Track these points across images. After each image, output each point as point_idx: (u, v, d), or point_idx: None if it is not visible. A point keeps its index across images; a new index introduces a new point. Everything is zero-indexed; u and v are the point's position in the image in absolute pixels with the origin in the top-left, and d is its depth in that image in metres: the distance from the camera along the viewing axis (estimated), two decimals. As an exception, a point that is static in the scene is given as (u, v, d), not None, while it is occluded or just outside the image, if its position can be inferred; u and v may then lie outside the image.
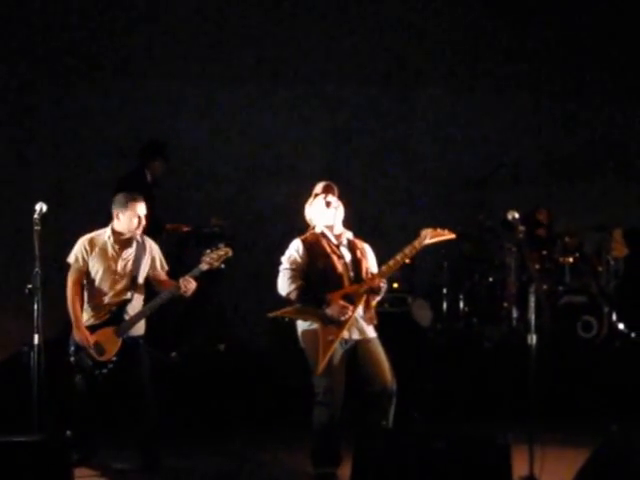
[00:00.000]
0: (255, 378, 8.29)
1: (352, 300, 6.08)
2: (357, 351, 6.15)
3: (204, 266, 6.20)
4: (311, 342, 6.09)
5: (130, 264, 6.27)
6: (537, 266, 9.30)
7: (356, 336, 6.15)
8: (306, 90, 10.62)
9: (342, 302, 6.03)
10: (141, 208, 6.30)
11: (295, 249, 6.21)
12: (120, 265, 6.27)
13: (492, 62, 10.86)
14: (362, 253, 6.29)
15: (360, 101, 10.80)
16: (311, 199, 6.35)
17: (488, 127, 10.87)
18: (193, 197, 10.11)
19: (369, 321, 6.20)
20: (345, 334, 6.07)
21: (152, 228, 8.51)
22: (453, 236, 6.38)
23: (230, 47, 10.32)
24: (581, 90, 10.99)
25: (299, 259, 6.17)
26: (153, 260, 6.38)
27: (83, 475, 6.15)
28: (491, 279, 9.72)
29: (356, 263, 6.23)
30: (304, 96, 10.67)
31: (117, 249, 6.29)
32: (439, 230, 6.26)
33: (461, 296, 9.75)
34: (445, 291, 9.85)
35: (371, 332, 6.22)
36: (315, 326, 6.07)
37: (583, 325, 9.13)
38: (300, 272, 6.15)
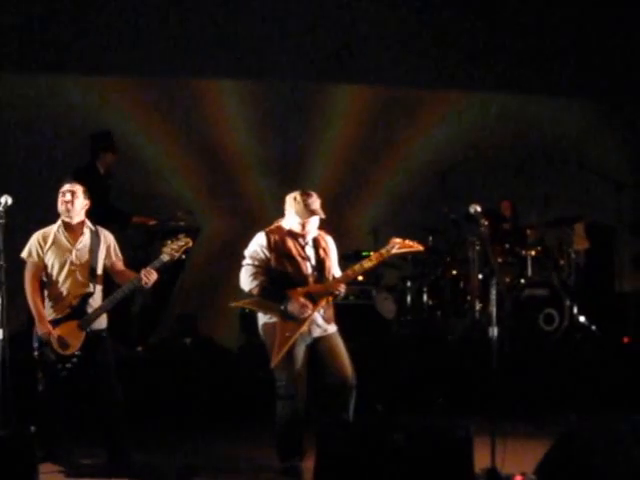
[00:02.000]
0: (221, 371, 8.31)
1: (314, 299, 6.12)
2: (318, 345, 6.19)
3: (165, 257, 6.21)
4: (270, 335, 6.12)
5: (86, 254, 6.26)
6: (500, 259, 9.39)
7: (317, 334, 6.19)
8: (274, 84, 10.65)
9: (303, 300, 6.06)
10: (66, 186, 6.28)
11: (259, 244, 6.20)
12: (75, 255, 6.25)
13: (457, 59, 10.93)
14: (325, 252, 6.30)
15: (326, 95, 10.85)
16: (301, 202, 6.16)
17: (454, 123, 10.96)
18: (159, 191, 10.09)
19: (329, 320, 6.24)
20: (305, 330, 6.11)
21: (118, 220, 8.59)
22: (421, 248, 6.44)
23: (197, 40, 10.32)
24: (542, 86, 11.09)
25: (262, 255, 6.17)
26: (108, 249, 6.35)
27: (48, 471, 6.10)
28: (455, 272, 9.76)
29: (320, 263, 6.25)
30: (269, 89, 10.69)
31: (70, 239, 6.27)
32: (408, 242, 6.29)
33: (425, 289, 9.79)
34: (409, 284, 9.92)
35: (331, 327, 6.26)
36: (274, 319, 6.11)
37: (545, 318, 9.22)
38: (263, 268, 6.16)
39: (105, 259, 6.34)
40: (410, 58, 10.86)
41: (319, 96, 10.84)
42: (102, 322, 6.33)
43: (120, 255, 6.44)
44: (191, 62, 10.30)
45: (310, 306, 6.07)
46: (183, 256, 6.39)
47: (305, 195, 6.21)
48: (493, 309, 5.88)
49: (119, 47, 10.06)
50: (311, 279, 6.19)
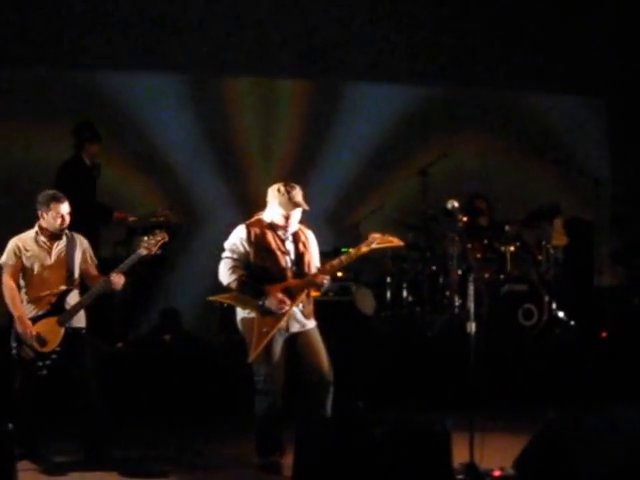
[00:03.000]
0: (201, 368, 8.30)
1: (292, 294, 6.12)
2: (296, 341, 6.20)
3: (143, 251, 6.25)
4: (249, 330, 6.13)
5: (63, 258, 6.30)
6: (478, 255, 9.42)
7: (295, 329, 6.19)
8: (247, 81, 10.64)
9: (281, 295, 6.06)
10: (64, 207, 6.30)
11: (239, 237, 6.19)
12: (54, 258, 6.30)
13: (434, 54, 10.96)
14: (305, 246, 6.30)
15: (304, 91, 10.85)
16: (285, 194, 6.15)
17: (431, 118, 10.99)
18: (139, 187, 10.07)
19: (308, 315, 6.24)
20: (282, 325, 6.11)
21: (101, 215, 8.59)
22: (401, 243, 6.46)
23: (175, 34, 10.29)
24: (519, 82, 11.13)
25: (242, 249, 6.17)
26: (84, 253, 6.42)
27: (27, 468, 6.10)
28: (434, 268, 9.78)
29: (299, 257, 6.25)
30: (246, 86, 10.68)
31: (48, 243, 6.31)
32: (387, 237, 6.29)
33: (404, 285, 9.81)
34: (389, 280, 9.93)
35: (310, 323, 6.27)
36: (253, 315, 6.11)
37: (524, 313, 9.24)
38: (242, 262, 6.15)
39: (81, 263, 6.38)
40: (391, 53, 10.87)
41: (308, 92, 10.83)
42: (81, 320, 6.36)
43: (95, 260, 6.50)
44: (180, 56, 10.28)
45: (288, 302, 6.07)
46: (160, 251, 6.39)
47: (289, 187, 6.18)
48: (471, 305, 5.91)
49: (102, 38, 10.03)
50: (290, 274, 6.18)
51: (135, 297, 9.06)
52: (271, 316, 6.07)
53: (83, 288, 6.42)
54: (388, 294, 9.86)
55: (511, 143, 11.14)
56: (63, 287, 6.27)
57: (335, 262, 6.23)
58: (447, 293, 9.51)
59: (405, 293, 9.80)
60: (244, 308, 6.18)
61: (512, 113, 11.25)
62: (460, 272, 9.17)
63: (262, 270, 6.14)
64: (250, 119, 10.66)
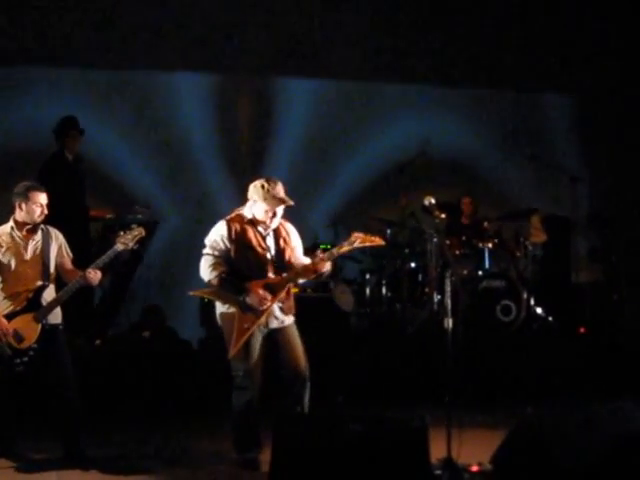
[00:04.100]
0: (180, 364, 8.28)
1: (273, 290, 6.12)
2: (273, 337, 6.19)
3: (119, 247, 6.23)
4: (228, 325, 6.12)
5: (39, 252, 6.26)
6: (457, 251, 9.46)
7: (274, 325, 6.19)
8: (229, 79, 10.64)
9: (262, 292, 6.05)
10: (42, 197, 6.26)
11: (219, 234, 6.17)
12: (29, 253, 6.25)
13: (412, 54, 10.99)
14: (285, 241, 6.29)
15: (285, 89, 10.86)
16: (269, 190, 6.12)
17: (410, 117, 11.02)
18: (116, 185, 10.04)
19: (288, 311, 6.23)
20: (262, 321, 6.11)
21: (77, 213, 8.56)
22: (382, 243, 6.47)
23: (158, 33, 10.28)
24: (496, 80, 11.18)
25: (222, 245, 6.15)
26: (60, 248, 6.38)
27: (4, 467, 6.11)
28: (413, 265, 9.81)
29: (279, 254, 6.24)
30: (229, 85, 10.68)
31: (23, 238, 6.27)
32: (369, 236, 6.29)
33: (384, 282, 9.83)
34: (368, 277, 9.95)
35: (288, 319, 6.26)
36: (233, 310, 6.10)
37: (502, 309, 9.29)
38: (223, 258, 6.13)
39: (57, 257, 6.35)
40: (366, 52, 10.89)
41: (278, 88, 10.83)
42: (57, 316, 6.32)
43: (70, 254, 6.46)
44: (146, 54, 10.25)
45: (269, 298, 6.08)
46: (136, 246, 6.38)
47: (272, 183, 6.16)
48: (448, 301, 5.92)
49: (71, 38, 10.00)
50: (270, 270, 6.18)
51: (112, 293, 9.05)
52: (251, 312, 6.06)
53: (59, 284, 6.38)
54: (367, 291, 9.89)
55: (488, 140, 11.17)
56: (40, 283, 6.23)
57: (316, 259, 6.21)
58: (426, 290, 9.54)
59: (384, 290, 9.82)
60: (224, 303, 6.17)
61: (490, 110, 11.28)
62: (438, 269, 9.19)
63: (243, 266, 6.12)
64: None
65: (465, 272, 9.42)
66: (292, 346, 6.19)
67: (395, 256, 9.97)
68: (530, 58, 11.21)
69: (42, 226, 6.35)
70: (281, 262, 6.23)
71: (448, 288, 5.94)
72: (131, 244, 6.28)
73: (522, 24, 11.16)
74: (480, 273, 9.46)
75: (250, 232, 6.18)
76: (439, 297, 9.18)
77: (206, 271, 6.14)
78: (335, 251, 6.23)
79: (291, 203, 6.17)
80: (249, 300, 6.04)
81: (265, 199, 6.13)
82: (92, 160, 9.29)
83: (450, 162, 10.90)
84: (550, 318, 9.65)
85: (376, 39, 10.94)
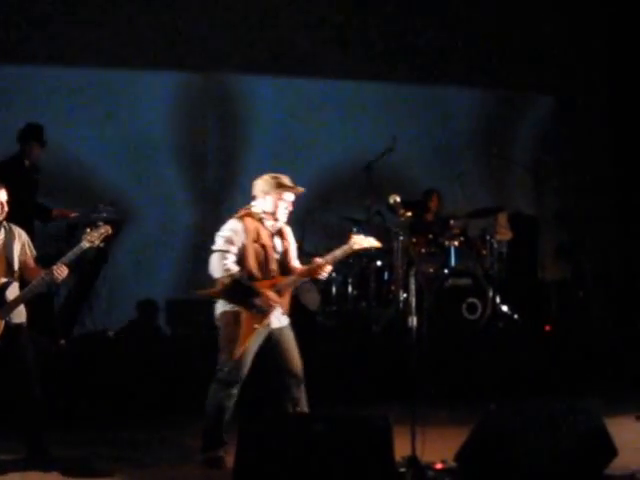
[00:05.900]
0: (147, 363, 8.25)
1: (280, 290, 6.13)
2: (275, 337, 6.18)
3: (85, 244, 6.19)
4: (230, 324, 6.08)
5: (2, 250, 6.21)
6: (423, 249, 9.49)
7: (275, 325, 6.19)
8: (196, 79, 10.62)
9: (271, 293, 6.06)
10: (2, 194, 6.22)
11: (234, 231, 6.10)
12: None
13: (379, 51, 11.01)
14: (288, 242, 6.33)
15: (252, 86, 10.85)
16: (278, 180, 6.18)
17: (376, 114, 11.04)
18: (79, 183, 9.98)
19: (286, 312, 6.25)
20: (268, 321, 6.11)
21: (40, 215, 8.50)
22: (380, 246, 6.54)
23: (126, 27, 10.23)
24: (462, 77, 11.21)
25: (237, 242, 6.08)
26: (23, 246, 6.33)
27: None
28: (379, 263, 9.81)
29: (284, 254, 6.28)
30: (196, 84, 10.66)
31: None
32: (369, 239, 6.32)
33: (350, 280, 9.81)
34: (334, 275, 9.93)
35: (286, 320, 6.27)
36: (237, 308, 6.07)
37: (468, 307, 9.33)
38: (236, 256, 6.07)
39: (20, 255, 6.30)
40: (334, 50, 10.89)
41: (245, 88, 10.81)
42: (21, 315, 6.26)
43: (34, 252, 6.41)
44: (115, 50, 10.20)
45: (278, 299, 6.09)
46: (102, 244, 6.34)
47: (276, 174, 6.22)
48: (413, 299, 5.94)
49: (36, 34, 9.92)
50: (277, 269, 6.20)
51: (77, 293, 9.00)
52: (259, 312, 6.06)
53: (22, 283, 6.33)
54: (333, 289, 9.87)
55: (453, 138, 11.20)
56: (3, 279, 6.18)
57: (319, 262, 6.19)
58: (392, 288, 9.54)
59: (350, 288, 9.81)
60: (231, 303, 6.12)
61: (454, 108, 11.32)
62: (404, 267, 9.20)
63: (252, 264, 6.10)
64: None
65: (431, 270, 9.45)
66: (291, 346, 6.22)
67: (361, 254, 9.95)
68: (499, 57, 11.26)
69: (4, 223, 6.29)
70: (285, 262, 6.27)
71: (413, 286, 5.96)
72: (97, 242, 6.24)
73: (495, 23, 11.20)
74: (446, 271, 9.48)
75: (262, 230, 6.17)
76: (405, 295, 9.20)
77: (219, 268, 6.04)
78: (337, 254, 6.23)
79: (301, 190, 6.21)
80: (259, 302, 6.03)
81: (277, 187, 6.15)
82: (57, 159, 9.23)
83: (417, 160, 10.91)
84: (516, 316, 9.70)
85: (343, 36, 10.93)
